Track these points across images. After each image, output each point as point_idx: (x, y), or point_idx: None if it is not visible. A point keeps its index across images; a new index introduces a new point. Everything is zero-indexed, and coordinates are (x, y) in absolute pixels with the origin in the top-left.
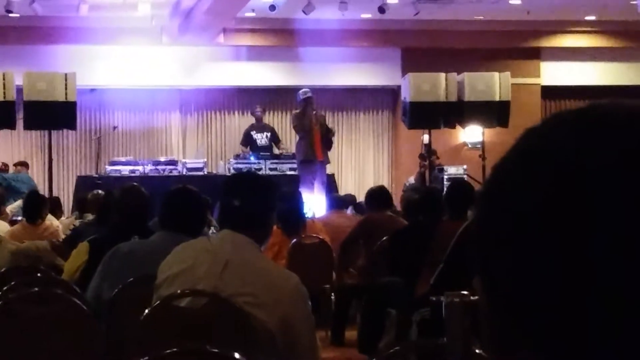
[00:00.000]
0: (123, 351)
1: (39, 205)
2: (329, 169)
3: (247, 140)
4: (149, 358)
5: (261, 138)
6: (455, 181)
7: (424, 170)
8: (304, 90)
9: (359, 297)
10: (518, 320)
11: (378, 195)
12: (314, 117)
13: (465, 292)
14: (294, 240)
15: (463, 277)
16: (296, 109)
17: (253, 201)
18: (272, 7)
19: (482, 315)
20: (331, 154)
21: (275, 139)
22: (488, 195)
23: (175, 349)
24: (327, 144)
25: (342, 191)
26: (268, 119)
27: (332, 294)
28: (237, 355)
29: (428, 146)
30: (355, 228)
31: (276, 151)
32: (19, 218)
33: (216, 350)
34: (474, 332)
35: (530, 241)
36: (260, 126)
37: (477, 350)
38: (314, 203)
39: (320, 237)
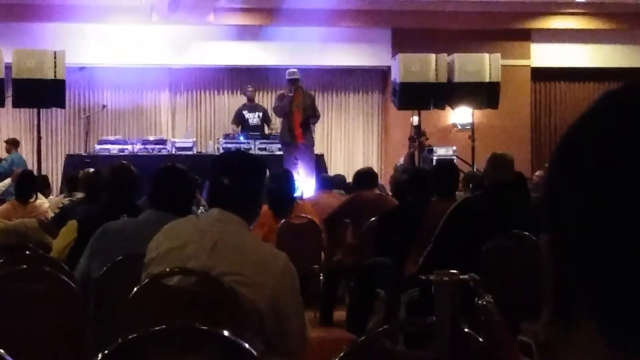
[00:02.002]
0: (111, 329)
1: (30, 185)
2: (318, 150)
3: (239, 120)
4: (137, 335)
5: (253, 118)
6: (443, 162)
7: (414, 151)
8: (290, 70)
9: (348, 277)
10: (586, 285)
11: (366, 176)
12: (296, 99)
13: (454, 271)
14: (283, 220)
15: (451, 257)
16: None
17: (242, 180)
18: None
19: (545, 279)
20: (320, 135)
21: (266, 119)
22: (565, 151)
23: (164, 327)
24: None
25: (332, 172)
26: (258, 98)
27: (321, 274)
28: (226, 332)
29: (417, 128)
30: (342, 205)
31: (267, 131)
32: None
33: (205, 328)
34: (462, 312)
35: (611, 197)
36: (252, 106)
37: (465, 329)
38: (301, 183)
39: (309, 217)
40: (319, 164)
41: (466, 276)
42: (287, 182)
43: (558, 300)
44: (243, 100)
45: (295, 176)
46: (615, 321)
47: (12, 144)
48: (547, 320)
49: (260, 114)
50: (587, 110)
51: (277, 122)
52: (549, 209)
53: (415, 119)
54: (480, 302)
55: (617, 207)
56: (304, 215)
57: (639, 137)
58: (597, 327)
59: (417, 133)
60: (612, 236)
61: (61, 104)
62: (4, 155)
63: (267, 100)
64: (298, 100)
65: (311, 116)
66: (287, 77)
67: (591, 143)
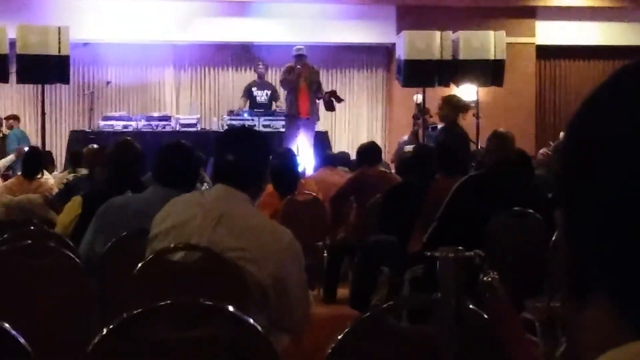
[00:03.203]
0: (115, 304)
1: (38, 162)
2: (323, 127)
3: (248, 96)
4: (142, 310)
5: (261, 95)
6: (447, 139)
7: (417, 129)
8: (297, 47)
9: (351, 254)
10: (599, 261)
11: (369, 151)
12: (303, 73)
13: (459, 248)
14: (287, 197)
15: (455, 235)
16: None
17: (247, 156)
18: None
19: (560, 253)
20: (324, 112)
21: (275, 97)
22: (580, 126)
23: (169, 302)
24: (328, 106)
25: (336, 149)
26: (269, 77)
27: (325, 251)
28: (231, 308)
29: (420, 106)
30: (347, 183)
31: (273, 107)
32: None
33: (210, 303)
34: (466, 288)
35: (626, 172)
36: (261, 83)
37: (470, 306)
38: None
39: (313, 194)
40: (322, 141)
41: (471, 253)
42: (291, 160)
43: (572, 276)
44: (247, 76)
45: (295, 151)
46: (628, 297)
47: (14, 120)
48: (562, 297)
49: (269, 92)
50: (601, 84)
51: (283, 99)
52: (563, 185)
53: (418, 97)
54: (484, 278)
55: (632, 182)
56: (307, 192)
57: None
58: (610, 303)
59: (421, 111)
60: (627, 212)
61: (65, 80)
62: (6, 131)
63: (271, 77)
64: (305, 75)
65: (317, 91)
66: (294, 53)
67: (606, 118)
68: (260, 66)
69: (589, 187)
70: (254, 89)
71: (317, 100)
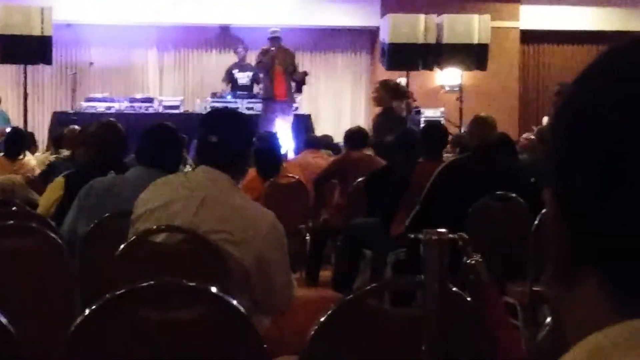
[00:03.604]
0: (98, 286)
1: (21, 142)
2: (306, 110)
3: (229, 79)
4: (125, 291)
5: (243, 77)
6: (431, 123)
7: (401, 113)
8: (272, 29)
9: (334, 237)
10: (589, 239)
11: (355, 135)
12: (278, 56)
13: (443, 230)
14: (270, 180)
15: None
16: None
17: (230, 137)
18: None
19: (548, 232)
20: (308, 95)
21: (256, 79)
22: (569, 104)
23: (151, 282)
24: (297, 87)
25: (319, 132)
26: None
27: (307, 234)
28: (213, 289)
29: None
30: (331, 165)
31: (256, 90)
32: None
33: (193, 284)
34: (450, 271)
35: (613, 151)
36: (242, 65)
37: (453, 288)
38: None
39: (296, 177)
40: (305, 124)
41: (455, 235)
42: (274, 143)
43: (561, 255)
44: (231, 58)
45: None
46: (618, 275)
47: None
48: (550, 277)
49: (251, 74)
50: (592, 63)
51: None
52: (553, 162)
53: (402, 80)
54: (468, 261)
55: (622, 158)
56: (290, 175)
57: None
58: (600, 282)
59: (404, 95)
60: (619, 187)
61: (48, 61)
62: None
63: (253, 60)
64: (280, 58)
65: (292, 73)
66: (269, 35)
67: (596, 95)
68: (240, 48)
69: (580, 162)
70: (235, 71)
71: (292, 83)
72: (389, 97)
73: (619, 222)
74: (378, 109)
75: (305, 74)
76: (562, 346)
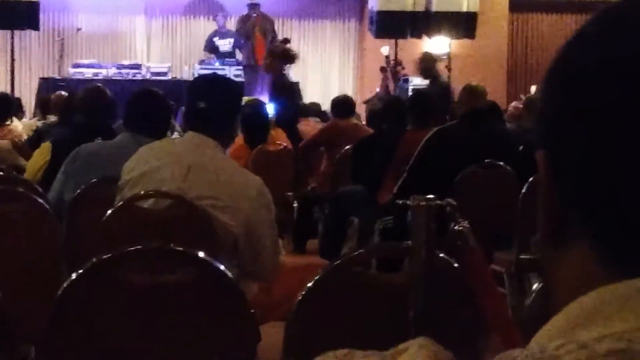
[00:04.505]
0: (85, 251)
1: (8, 108)
2: (294, 77)
3: (211, 47)
4: (112, 255)
5: (224, 44)
6: (419, 91)
7: (387, 82)
8: None
9: (322, 205)
10: (578, 196)
11: (343, 103)
12: (257, 23)
13: (431, 196)
14: (258, 147)
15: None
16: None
17: (218, 103)
18: None
19: (539, 195)
20: (296, 63)
21: (238, 45)
22: (561, 64)
23: (139, 247)
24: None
25: (307, 100)
26: (232, 26)
27: (295, 202)
28: (201, 254)
29: (388, 58)
30: (318, 133)
31: (240, 57)
32: None
33: (180, 249)
34: (437, 237)
35: (605, 106)
36: (223, 32)
37: (440, 255)
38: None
39: (284, 144)
40: (294, 92)
41: (443, 201)
42: (261, 110)
43: (552, 218)
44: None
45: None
46: (607, 236)
47: None
48: (541, 239)
49: (232, 40)
50: (584, 24)
51: None
52: (543, 123)
53: (385, 49)
54: (456, 227)
55: (613, 119)
56: (278, 142)
57: (635, 50)
58: (591, 244)
59: (388, 63)
60: (607, 145)
61: (35, 26)
62: None
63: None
64: (260, 24)
65: (272, 41)
66: (248, 2)
67: (587, 55)
68: (219, 16)
69: (571, 118)
70: (215, 38)
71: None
72: (277, 63)
73: (609, 179)
74: (366, 78)
75: (286, 41)
76: (550, 311)
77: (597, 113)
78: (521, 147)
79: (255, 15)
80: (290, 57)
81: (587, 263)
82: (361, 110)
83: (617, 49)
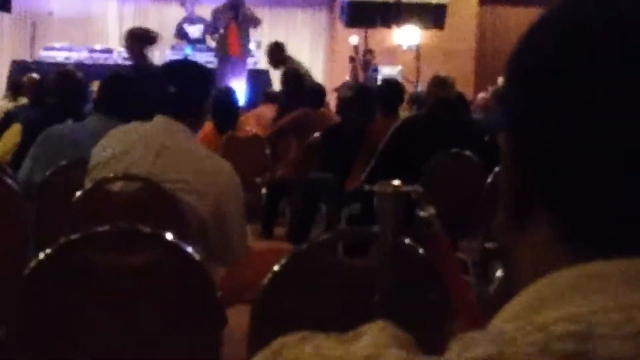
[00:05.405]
0: (53, 232)
1: None
2: (264, 65)
3: (180, 34)
4: (80, 236)
5: (194, 31)
6: (387, 80)
7: (356, 71)
8: None
9: (290, 191)
10: (540, 176)
11: (313, 93)
12: (239, 13)
13: (397, 183)
14: (227, 133)
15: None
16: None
17: (188, 87)
18: None
19: (502, 178)
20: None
21: (209, 31)
22: (525, 46)
23: (107, 228)
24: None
25: (277, 87)
26: (203, 12)
27: (263, 188)
28: (169, 236)
29: (357, 48)
30: (286, 120)
31: (211, 44)
32: None
33: (148, 231)
34: (404, 224)
35: (566, 81)
36: (192, 19)
37: (406, 241)
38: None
39: (253, 131)
40: (263, 79)
41: (409, 188)
42: (231, 96)
43: (513, 200)
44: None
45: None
46: (568, 217)
47: None
48: (502, 221)
49: (202, 26)
50: (550, 6)
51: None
52: (508, 105)
53: (354, 39)
54: (422, 213)
55: (577, 99)
56: (248, 129)
57: (602, 32)
58: (551, 224)
59: (357, 52)
60: (571, 130)
61: (7, 9)
62: None
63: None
64: (238, 14)
65: (242, 23)
66: None
67: (552, 36)
68: (187, 3)
69: (532, 96)
70: (185, 25)
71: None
72: (137, 45)
73: (570, 157)
74: (336, 66)
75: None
76: (512, 296)
77: (562, 85)
78: (487, 137)
79: (231, 5)
80: (151, 39)
81: (548, 245)
82: (332, 98)
83: (575, 22)
